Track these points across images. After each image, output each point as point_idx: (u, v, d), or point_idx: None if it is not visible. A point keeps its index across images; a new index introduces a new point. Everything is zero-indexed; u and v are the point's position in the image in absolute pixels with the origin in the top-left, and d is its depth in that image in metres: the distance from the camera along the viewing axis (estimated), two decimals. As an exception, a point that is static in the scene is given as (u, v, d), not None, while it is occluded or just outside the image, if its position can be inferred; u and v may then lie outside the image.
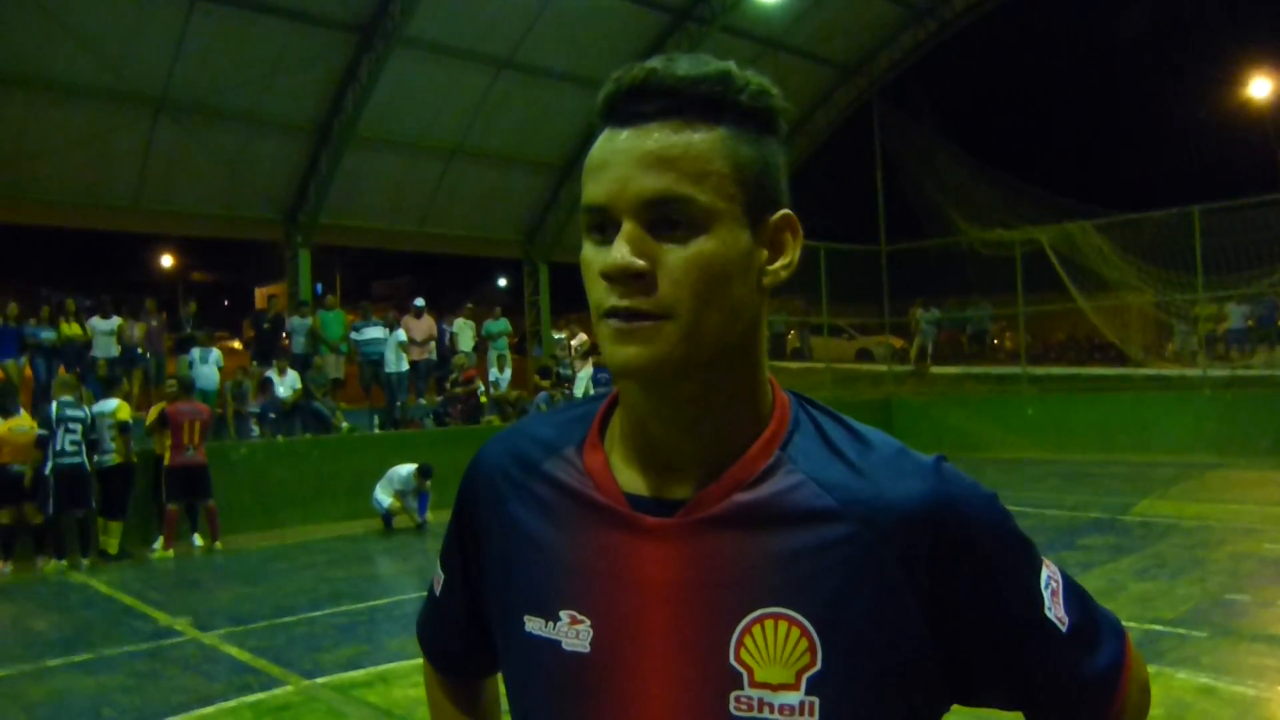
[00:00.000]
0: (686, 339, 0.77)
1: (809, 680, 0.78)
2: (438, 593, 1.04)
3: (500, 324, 16.43)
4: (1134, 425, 15.48)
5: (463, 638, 1.02)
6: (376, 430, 13.62)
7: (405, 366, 14.27)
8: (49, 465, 9.01)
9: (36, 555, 9.18)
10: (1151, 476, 12.80)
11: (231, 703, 5.01)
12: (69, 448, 9.10)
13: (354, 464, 11.86)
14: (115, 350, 13.07)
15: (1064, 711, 0.87)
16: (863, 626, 0.79)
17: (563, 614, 0.85)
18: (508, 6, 16.02)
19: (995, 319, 21.57)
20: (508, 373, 15.69)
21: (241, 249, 29.85)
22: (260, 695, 5.13)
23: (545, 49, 16.83)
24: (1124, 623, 0.91)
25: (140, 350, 13.48)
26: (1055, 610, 0.85)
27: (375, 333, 14.40)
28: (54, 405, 9.20)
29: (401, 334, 14.31)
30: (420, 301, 15.42)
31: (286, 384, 12.86)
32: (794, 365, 21.22)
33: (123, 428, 9.68)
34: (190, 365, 12.76)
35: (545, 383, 14.81)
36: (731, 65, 0.81)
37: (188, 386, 10.65)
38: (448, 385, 14.55)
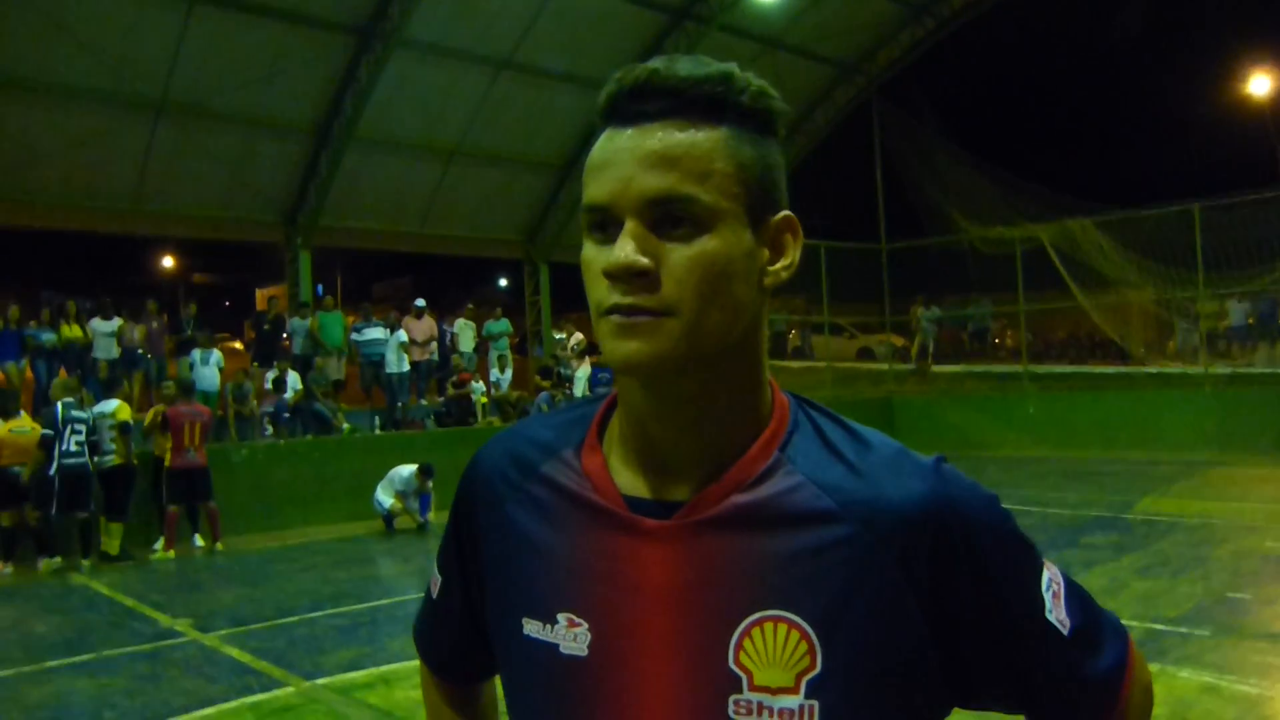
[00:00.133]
0: (687, 336, 0.77)
1: (809, 683, 0.77)
2: (435, 595, 1.03)
3: (501, 324, 16.43)
4: (1135, 423, 15.47)
5: (460, 640, 1.01)
6: (377, 431, 13.62)
7: (406, 367, 14.27)
8: (54, 466, 9.01)
9: (38, 556, 9.18)
10: (1153, 474, 12.79)
11: (232, 704, 5.00)
12: (74, 449, 9.12)
13: (355, 465, 11.85)
14: (115, 352, 13.07)
15: (1066, 714, 0.86)
16: (863, 629, 0.78)
17: (561, 617, 0.85)
18: (506, 7, 16.01)
19: (996, 317, 21.56)
20: (509, 373, 15.69)
21: (242, 250, 29.84)
22: (261, 697, 5.12)
23: (544, 49, 16.83)
24: (1126, 621, 0.91)
25: (141, 352, 13.49)
26: (1057, 612, 0.84)
27: (376, 334, 14.40)
28: (59, 407, 9.21)
29: (403, 335, 14.32)
30: (421, 302, 15.43)
31: (288, 385, 12.87)
32: (795, 364, 21.23)
33: (123, 428, 9.69)
34: (191, 367, 12.78)
35: (546, 383, 14.81)
36: (733, 66, 0.81)
37: (188, 388, 10.66)
38: (448, 386, 14.56)
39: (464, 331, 16.23)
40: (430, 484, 10.79)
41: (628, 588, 0.82)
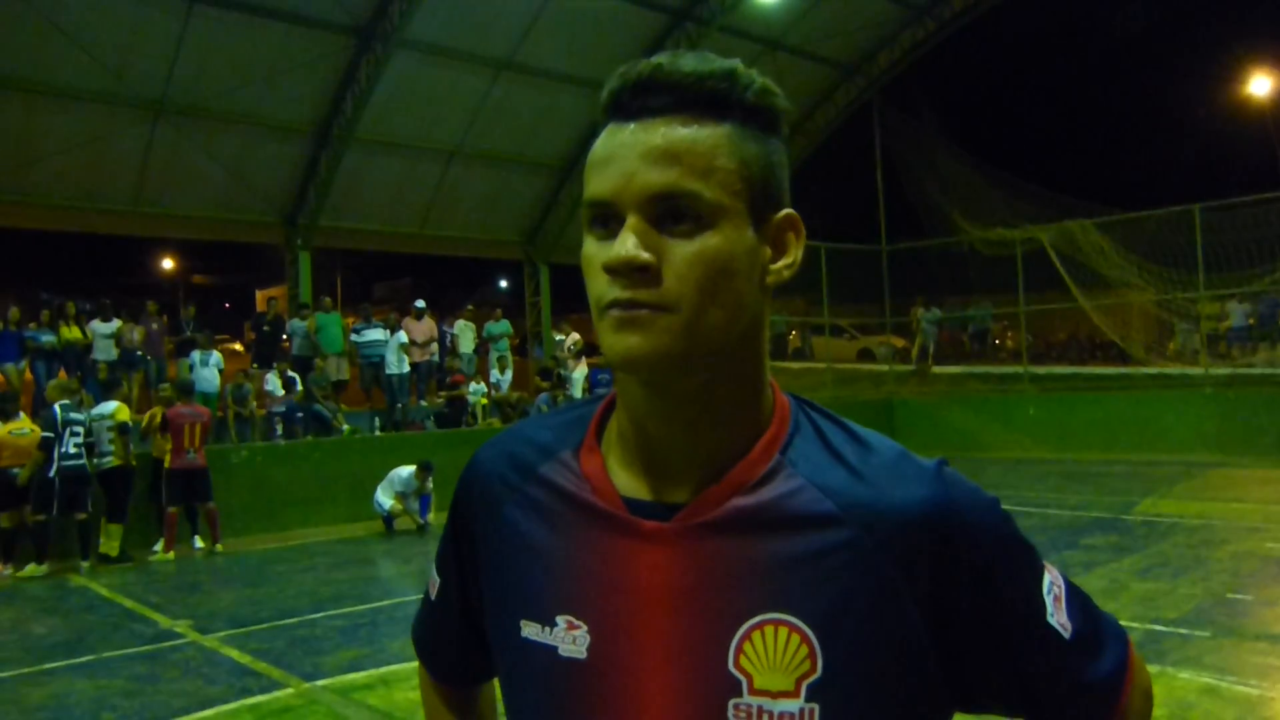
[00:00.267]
0: (688, 333, 0.76)
1: (809, 687, 0.77)
2: (433, 597, 1.03)
3: (501, 325, 16.44)
4: (1136, 424, 15.48)
5: (458, 643, 1.01)
6: (377, 432, 13.62)
7: (406, 368, 14.27)
8: (54, 468, 9.01)
9: (41, 559, 9.16)
10: (1153, 475, 12.79)
11: (232, 705, 5.00)
12: (73, 451, 9.12)
13: (355, 466, 11.85)
14: (114, 353, 13.07)
15: (1066, 718, 0.85)
16: (863, 633, 0.77)
17: (559, 619, 0.84)
18: (506, 8, 16.01)
19: (996, 318, 21.58)
20: (508, 374, 15.69)
21: (243, 251, 29.91)
22: (261, 698, 5.12)
23: (544, 50, 16.83)
24: (1126, 622, 0.90)
25: (140, 353, 13.48)
26: (1058, 617, 0.83)
27: (375, 335, 14.41)
28: (57, 409, 9.20)
29: (403, 336, 14.32)
30: (421, 303, 15.43)
31: (293, 386, 12.87)
32: (795, 365, 21.25)
33: (122, 429, 9.68)
34: (191, 368, 12.78)
35: (546, 384, 14.80)
36: (737, 63, 0.80)
37: (187, 389, 10.66)
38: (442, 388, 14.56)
39: (464, 333, 16.24)
40: (430, 482, 10.78)
41: (627, 590, 0.82)
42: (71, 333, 13.13)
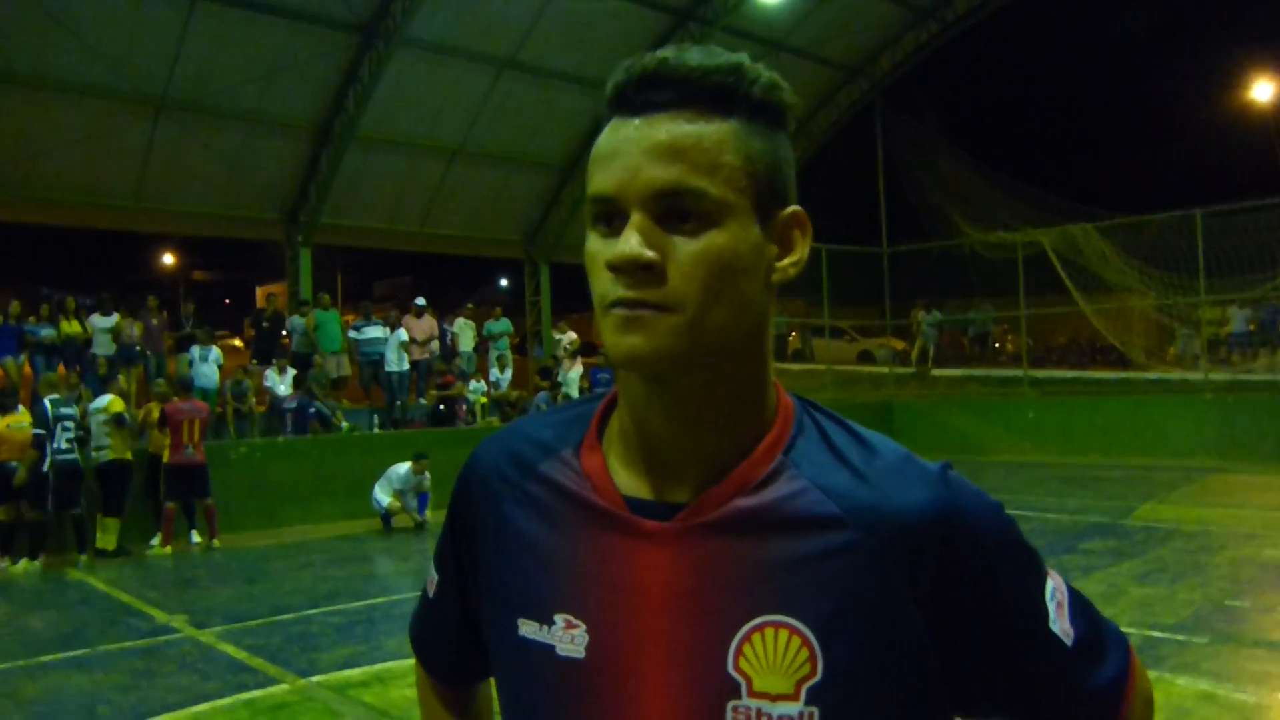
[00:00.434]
0: (692, 333, 0.75)
1: (809, 690, 0.76)
2: (431, 594, 1.02)
3: (501, 324, 16.43)
4: (1135, 429, 15.47)
5: (456, 641, 1.00)
6: (376, 430, 13.61)
7: (406, 366, 14.26)
8: (47, 463, 9.01)
9: (35, 554, 9.15)
10: (1153, 480, 12.79)
11: (227, 701, 4.99)
12: (65, 446, 9.12)
13: (353, 463, 11.85)
14: (111, 348, 13.07)
15: None
16: (865, 636, 0.77)
17: (558, 618, 0.83)
18: (509, 7, 16.01)
19: (997, 321, 21.59)
20: (508, 373, 15.69)
21: (243, 248, 29.89)
22: (256, 694, 5.11)
23: (547, 49, 16.83)
24: (1124, 627, 0.90)
25: (139, 348, 13.48)
26: (1060, 623, 0.83)
27: (375, 332, 14.40)
28: (47, 404, 9.19)
29: (403, 334, 14.31)
30: (421, 301, 15.42)
31: (287, 382, 12.86)
32: (795, 367, 21.25)
33: (118, 420, 9.68)
34: (190, 364, 12.77)
35: (545, 383, 14.80)
36: (744, 57, 0.79)
37: (186, 385, 10.65)
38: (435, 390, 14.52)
39: (464, 331, 16.23)
40: (427, 474, 10.78)
41: (627, 590, 0.81)
42: (71, 327, 13.14)
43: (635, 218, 0.76)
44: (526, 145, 18.39)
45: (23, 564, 9.05)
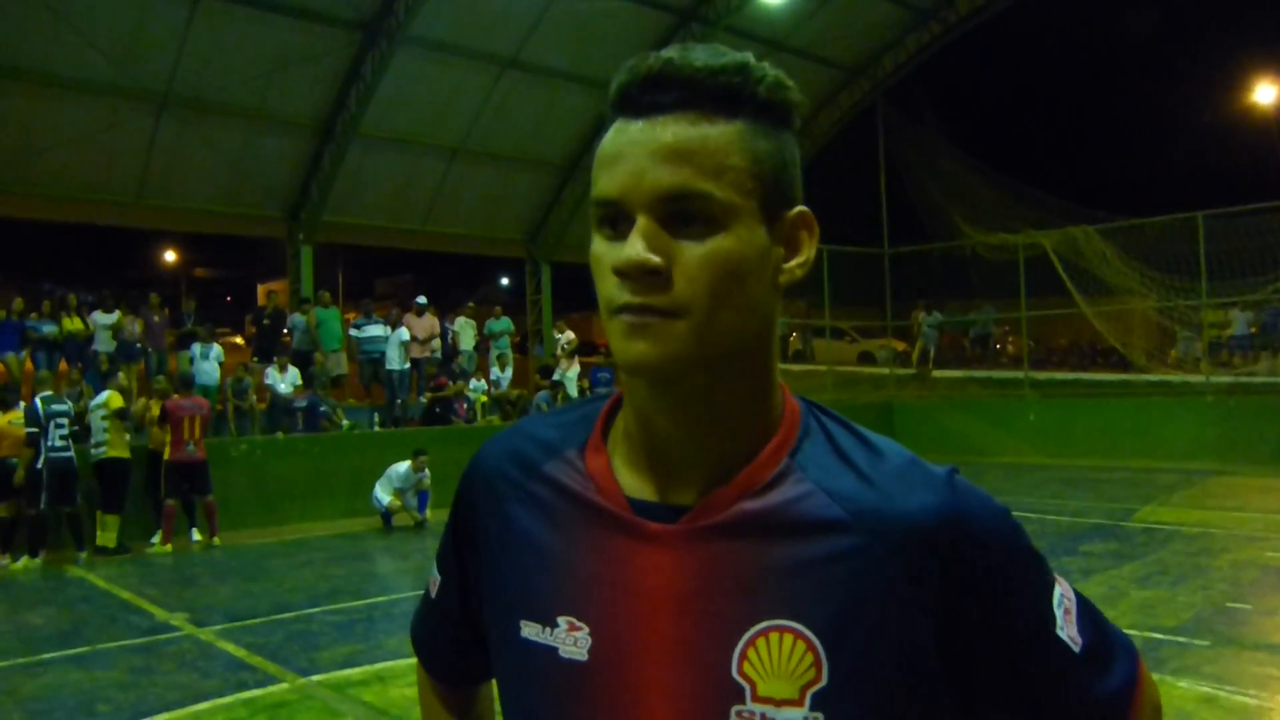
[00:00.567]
0: (698, 338, 0.75)
1: (813, 696, 0.75)
2: (433, 595, 1.01)
3: (502, 323, 16.42)
4: (1136, 431, 15.46)
5: (458, 642, 0.99)
6: (377, 428, 13.61)
7: (407, 364, 14.26)
8: (40, 460, 9.01)
9: (35, 552, 9.15)
10: (1154, 483, 12.78)
11: (227, 699, 4.99)
12: (59, 443, 9.12)
13: (354, 461, 11.85)
14: (111, 345, 13.07)
15: None
16: (870, 641, 0.76)
17: (561, 620, 0.82)
18: (512, 6, 16.01)
19: (998, 323, 21.58)
20: (509, 372, 15.69)
21: (245, 245, 29.88)
22: (256, 692, 5.11)
23: (549, 49, 16.83)
24: (1125, 630, 0.89)
25: (139, 345, 13.48)
26: (1068, 630, 0.82)
27: (376, 331, 14.40)
28: (38, 402, 9.18)
29: (404, 332, 14.31)
30: (423, 299, 15.41)
31: (287, 380, 12.85)
32: (796, 367, 21.24)
33: (120, 414, 9.68)
34: (191, 361, 12.77)
35: (546, 382, 14.80)
36: (749, 56, 0.78)
37: (187, 382, 10.64)
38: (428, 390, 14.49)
39: (465, 330, 16.23)
40: (426, 471, 10.78)
41: (630, 592, 0.80)
42: (73, 324, 13.15)
43: (641, 221, 0.75)
44: (528, 144, 18.39)
45: (23, 561, 9.04)
